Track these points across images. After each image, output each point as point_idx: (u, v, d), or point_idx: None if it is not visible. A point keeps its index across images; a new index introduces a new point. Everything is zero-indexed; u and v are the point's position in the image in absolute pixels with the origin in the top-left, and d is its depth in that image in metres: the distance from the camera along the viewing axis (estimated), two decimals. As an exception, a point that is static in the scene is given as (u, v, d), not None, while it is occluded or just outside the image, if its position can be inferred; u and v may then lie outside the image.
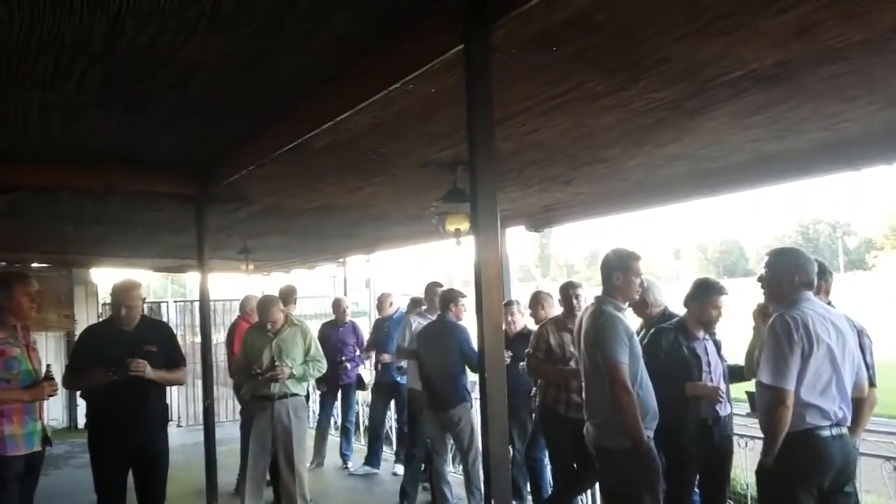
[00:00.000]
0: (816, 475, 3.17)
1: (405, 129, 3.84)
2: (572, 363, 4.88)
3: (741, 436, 4.72)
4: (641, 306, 4.41)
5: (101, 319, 4.46)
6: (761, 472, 3.28)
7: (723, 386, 4.16)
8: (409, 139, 4.04)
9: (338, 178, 4.99)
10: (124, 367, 4.03)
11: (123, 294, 4.26)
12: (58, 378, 3.95)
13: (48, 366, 3.88)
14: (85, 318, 10.79)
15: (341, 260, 11.35)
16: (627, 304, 3.85)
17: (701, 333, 4.20)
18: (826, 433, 3.15)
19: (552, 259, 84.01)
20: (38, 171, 4.60)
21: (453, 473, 6.17)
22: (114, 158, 4.64)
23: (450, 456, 5.56)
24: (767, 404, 3.22)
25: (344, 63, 3.03)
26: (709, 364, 4.14)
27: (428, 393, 5.55)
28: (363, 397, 8.39)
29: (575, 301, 5.08)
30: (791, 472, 3.16)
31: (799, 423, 3.15)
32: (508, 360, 5.05)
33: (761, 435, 3.37)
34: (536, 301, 5.58)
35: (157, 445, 4.29)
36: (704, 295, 4.18)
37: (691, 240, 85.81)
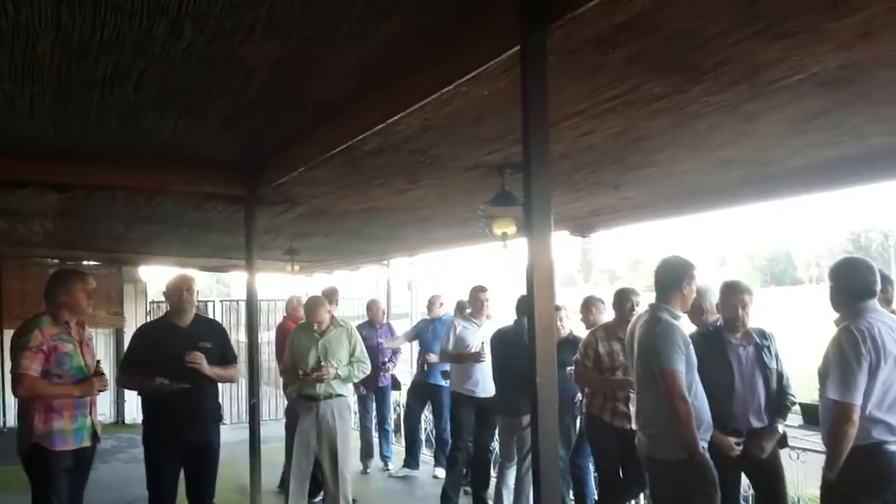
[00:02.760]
0: (882, 490, 3.07)
1: (456, 132, 3.82)
2: (619, 373, 4.82)
3: (793, 448, 4.59)
4: (697, 313, 4.31)
5: (155, 317, 4.51)
6: (825, 486, 3.19)
7: (761, 391, 4.00)
8: (460, 142, 4.02)
9: (386, 181, 4.99)
10: (180, 373, 4.10)
11: (179, 290, 4.32)
12: (109, 374, 4.03)
13: (98, 361, 3.95)
14: (133, 315, 11.03)
15: (385, 262, 11.39)
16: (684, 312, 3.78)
17: (736, 339, 4.08)
18: (893, 448, 3.04)
19: (594, 264, 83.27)
20: (95, 170, 4.70)
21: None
22: (168, 159, 4.72)
23: (513, 464, 5.51)
24: (834, 419, 3.12)
25: (397, 65, 3.02)
26: (741, 372, 4.00)
27: (500, 397, 5.52)
28: (398, 398, 8.40)
29: (631, 309, 4.99)
30: (857, 486, 3.08)
31: (865, 437, 3.05)
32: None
33: (813, 447, 3.28)
34: (588, 306, 5.51)
35: (210, 442, 4.36)
36: (725, 295, 4.07)
37: (738, 247, 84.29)
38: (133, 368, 4.40)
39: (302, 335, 5.20)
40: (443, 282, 10.47)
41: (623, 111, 3.48)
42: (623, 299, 5.09)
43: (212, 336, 4.46)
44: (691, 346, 3.58)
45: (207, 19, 2.49)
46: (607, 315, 5.37)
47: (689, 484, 3.39)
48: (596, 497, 5.26)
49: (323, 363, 5.00)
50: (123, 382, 4.44)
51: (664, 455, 3.47)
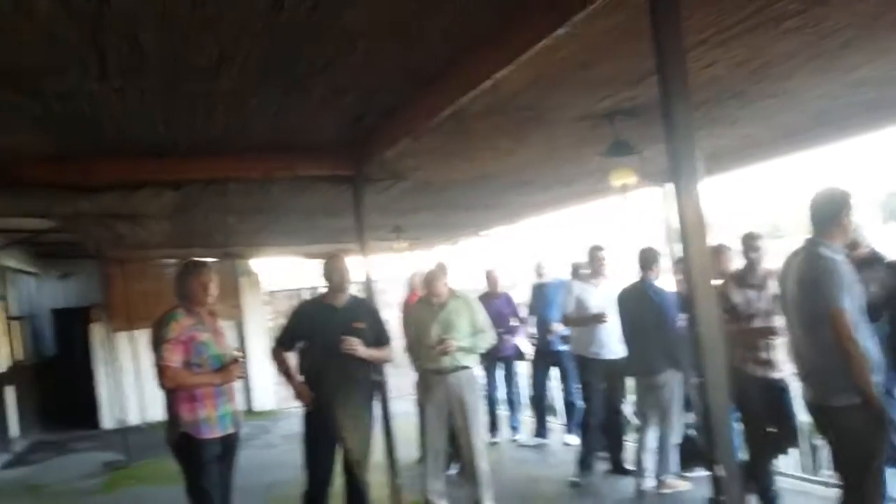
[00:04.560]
0: None
1: (565, 79, 3.61)
2: (756, 321, 4.52)
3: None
4: (851, 247, 3.94)
5: (311, 297, 4.57)
6: None
7: None
8: (569, 90, 3.81)
9: (492, 143, 4.83)
10: (334, 353, 4.19)
11: (339, 269, 4.38)
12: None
13: (234, 349, 4.01)
14: (250, 308, 11.37)
15: (483, 233, 11.24)
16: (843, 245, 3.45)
17: None
18: None
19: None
20: (206, 165, 4.76)
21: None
22: (273, 146, 4.73)
23: (651, 426, 5.31)
24: None
25: (506, 13, 2.84)
26: None
27: (633, 357, 5.34)
28: (523, 368, 8.28)
29: (756, 253, 4.67)
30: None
31: None
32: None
33: None
34: (717, 254, 5.14)
35: (364, 421, 4.41)
36: None
37: (854, 183, 79.12)
38: (286, 347, 4.50)
39: (422, 310, 5.14)
40: (541, 248, 10.24)
41: (749, 36, 3.21)
42: (751, 244, 4.76)
43: (366, 316, 4.49)
44: (857, 284, 3.26)
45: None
46: (735, 264, 5.03)
47: (866, 429, 3.10)
48: (744, 457, 4.97)
49: (445, 336, 4.92)
50: (276, 361, 4.49)
51: (836, 402, 3.18)
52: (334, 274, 4.43)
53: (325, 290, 4.54)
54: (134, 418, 8.77)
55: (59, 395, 11.07)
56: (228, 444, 3.95)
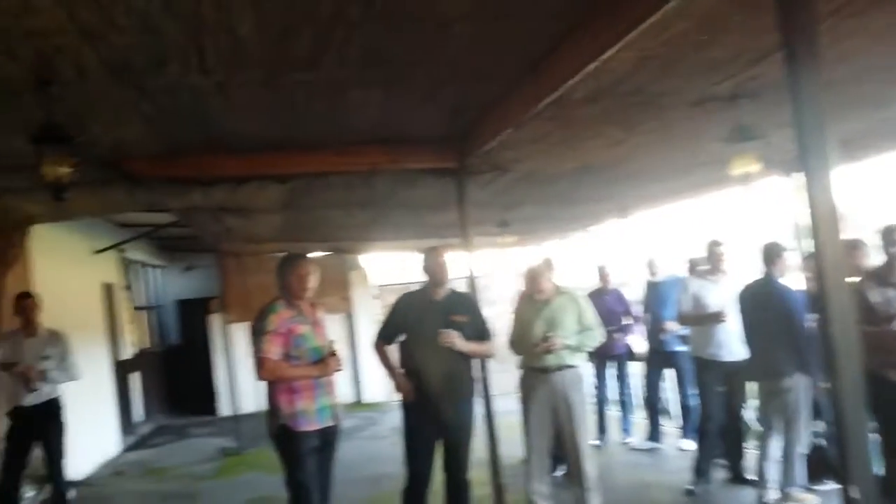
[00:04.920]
0: None
1: (678, 60, 3.36)
2: (896, 323, 4.09)
3: None
4: None
5: (412, 291, 4.54)
6: None
7: None
8: (683, 72, 3.54)
9: (598, 132, 4.60)
10: (433, 347, 4.12)
11: (438, 262, 4.33)
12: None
13: (331, 341, 3.98)
14: (359, 301, 11.54)
15: (592, 227, 10.90)
16: None
17: None
18: None
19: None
20: (310, 158, 4.80)
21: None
22: (376, 140, 4.71)
23: (775, 433, 4.94)
24: None
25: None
26: None
27: (756, 360, 5.00)
28: (636, 368, 7.94)
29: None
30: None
31: None
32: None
33: None
34: (852, 250, 4.65)
35: (464, 417, 4.32)
36: None
37: None
38: (387, 340, 4.48)
39: (526, 306, 4.96)
40: (654, 244, 9.80)
41: (891, 3, 2.85)
42: (891, 238, 4.30)
43: (466, 310, 4.41)
44: None
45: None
46: (870, 260, 4.56)
47: None
48: (881, 472, 4.52)
49: (550, 334, 4.73)
50: (378, 354, 4.48)
51: None
52: (433, 267, 4.36)
53: (424, 284, 4.46)
54: (248, 406, 9.06)
55: (182, 382, 11.67)
56: (327, 437, 3.93)
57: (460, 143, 4.89)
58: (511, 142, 4.51)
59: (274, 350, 3.72)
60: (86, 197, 5.12)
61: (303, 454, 3.78)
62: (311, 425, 3.80)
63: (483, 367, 5.18)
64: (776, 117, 4.23)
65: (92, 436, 7.75)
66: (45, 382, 5.04)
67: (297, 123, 4.18)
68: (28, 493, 5.19)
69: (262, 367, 3.72)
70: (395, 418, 4.47)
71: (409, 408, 4.35)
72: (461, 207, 5.28)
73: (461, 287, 5.00)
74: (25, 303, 5.19)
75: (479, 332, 4.42)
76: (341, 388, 10.58)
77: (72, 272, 7.61)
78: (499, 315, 7.69)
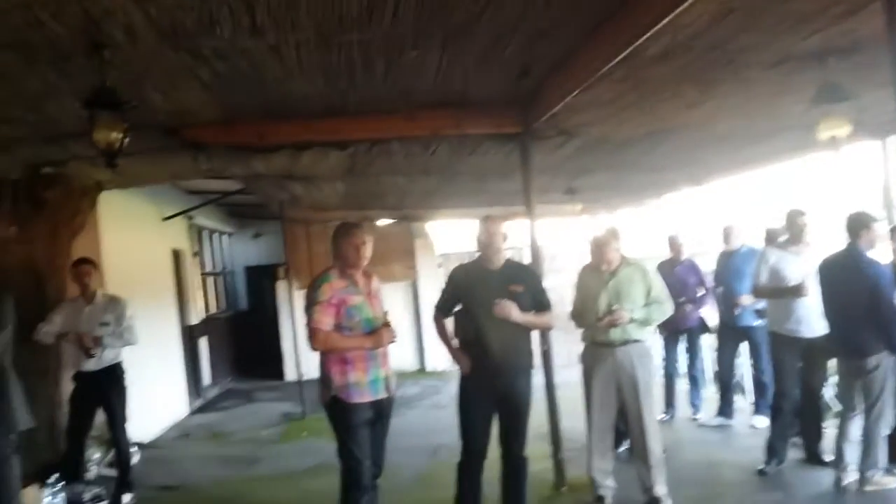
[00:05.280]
0: None
1: (761, 12, 3.09)
2: None
3: None
4: None
5: (468, 261, 4.42)
6: None
7: None
8: (766, 26, 3.26)
9: (673, 93, 4.33)
10: (490, 318, 3.97)
11: (488, 231, 4.16)
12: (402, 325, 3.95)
13: (385, 312, 3.88)
14: (424, 270, 11.50)
15: (665, 196, 10.50)
16: None
17: None
18: None
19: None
20: (370, 123, 4.69)
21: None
22: (437, 103, 4.56)
23: (857, 413, 4.66)
24: None
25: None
26: None
27: (836, 336, 4.71)
28: (708, 341, 7.64)
29: None
30: None
31: None
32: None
33: None
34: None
35: (522, 390, 4.15)
36: None
37: None
38: (445, 313, 4.35)
39: (590, 277, 4.76)
40: (729, 212, 9.36)
41: None
42: None
43: (524, 280, 4.22)
44: None
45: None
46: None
47: None
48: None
49: (615, 306, 4.53)
50: (436, 324, 4.38)
51: None
52: (487, 237, 4.18)
53: (479, 254, 4.31)
54: (312, 372, 9.12)
55: (249, 347, 11.90)
56: (381, 409, 3.85)
57: (525, 107, 4.70)
58: (579, 105, 4.30)
59: (326, 320, 3.65)
60: (148, 164, 5.17)
61: (355, 426, 3.71)
62: (363, 397, 3.73)
63: (545, 339, 5.04)
64: (870, 77, 3.90)
65: (161, 399, 7.97)
66: (101, 349, 5.09)
67: (355, 87, 4.06)
68: (94, 454, 5.31)
69: (313, 337, 3.65)
70: (455, 387, 4.36)
71: (465, 380, 4.22)
72: (525, 174, 5.10)
73: (522, 256, 4.83)
74: (80, 269, 5.21)
75: (539, 302, 4.22)
76: (404, 355, 10.64)
77: (141, 238, 7.76)
78: (563, 286, 7.48)
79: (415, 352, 11.27)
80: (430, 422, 7.62)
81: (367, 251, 3.77)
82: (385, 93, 4.24)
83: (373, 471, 3.81)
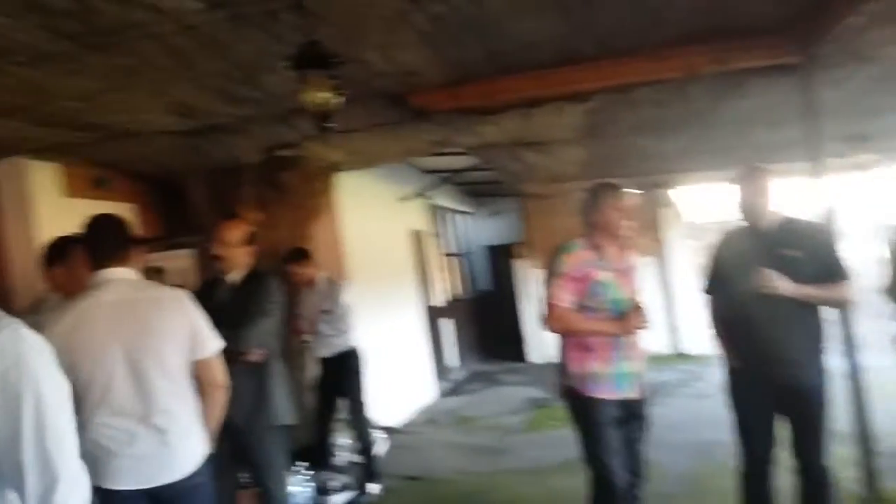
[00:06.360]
0: None
1: None
2: None
3: None
4: None
5: (732, 227, 3.53)
6: None
7: None
8: None
9: None
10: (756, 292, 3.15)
11: (751, 186, 3.33)
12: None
13: (636, 294, 3.20)
14: (671, 242, 10.50)
15: None
16: None
17: None
18: None
19: None
20: (610, 67, 3.99)
21: None
22: (691, 34, 3.75)
23: None
24: None
25: None
26: None
27: None
28: None
29: None
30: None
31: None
32: None
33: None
34: None
35: (807, 380, 3.25)
36: None
37: None
38: (713, 291, 3.58)
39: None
40: None
41: None
42: None
43: (803, 243, 3.28)
44: None
45: None
46: None
47: None
48: None
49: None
50: (708, 300, 3.60)
51: None
52: (753, 192, 3.32)
53: (743, 215, 3.44)
54: (553, 356, 8.66)
55: (492, 328, 11.72)
56: (632, 411, 3.23)
57: (805, 28, 3.73)
58: (881, 13, 3.28)
59: (564, 297, 3.09)
60: (378, 140, 4.97)
61: (598, 425, 3.14)
62: (603, 392, 3.14)
63: (844, 317, 4.01)
64: None
65: (408, 382, 7.95)
66: (314, 335, 5.10)
67: (591, 22, 3.43)
68: (340, 439, 5.27)
69: (550, 315, 3.13)
70: (720, 374, 3.55)
71: (734, 373, 3.44)
72: (808, 115, 4.08)
73: (801, 216, 3.78)
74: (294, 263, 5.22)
75: (828, 270, 3.25)
76: (657, 338, 9.70)
77: (380, 220, 7.76)
78: (856, 253, 6.18)
79: (667, 334, 10.31)
80: (694, 413, 6.76)
81: (632, 219, 3.13)
82: (626, 27, 3.55)
83: (630, 483, 3.19)
